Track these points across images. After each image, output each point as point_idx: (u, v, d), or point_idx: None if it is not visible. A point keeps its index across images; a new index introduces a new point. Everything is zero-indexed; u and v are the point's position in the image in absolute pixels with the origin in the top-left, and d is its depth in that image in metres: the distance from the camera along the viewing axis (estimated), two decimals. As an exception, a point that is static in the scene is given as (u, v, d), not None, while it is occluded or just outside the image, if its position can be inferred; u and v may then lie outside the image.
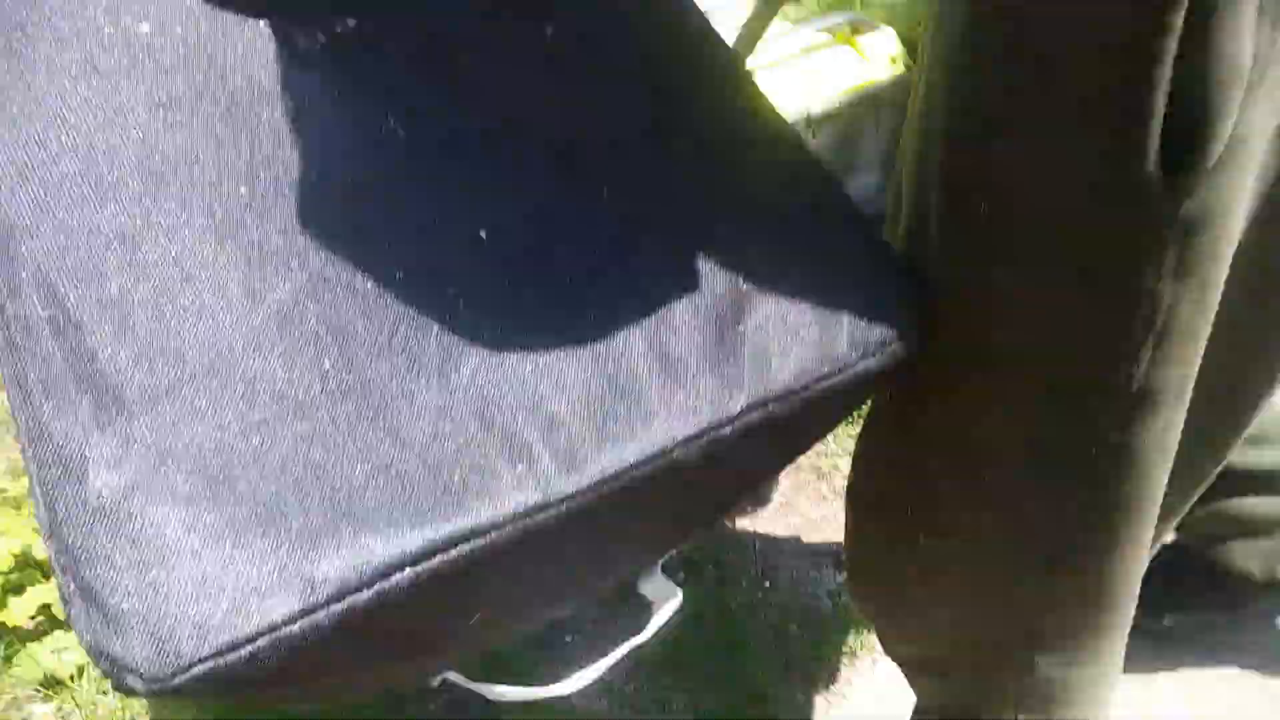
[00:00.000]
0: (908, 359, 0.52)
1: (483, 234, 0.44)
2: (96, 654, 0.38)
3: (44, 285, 0.40)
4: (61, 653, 1.09)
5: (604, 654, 0.64)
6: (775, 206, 0.52)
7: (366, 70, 0.44)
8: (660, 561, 0.66)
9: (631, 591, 0.65)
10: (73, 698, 1.05)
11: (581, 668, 0.61)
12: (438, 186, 0.44)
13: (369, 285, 0.41)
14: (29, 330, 0.40)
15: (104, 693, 1.08)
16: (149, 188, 0.41)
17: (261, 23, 0.43)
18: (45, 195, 0.41)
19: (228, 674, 0.36)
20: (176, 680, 0.36)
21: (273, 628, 0.36)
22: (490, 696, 0.63)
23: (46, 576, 1.08)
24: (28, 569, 1.09)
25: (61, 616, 1.06)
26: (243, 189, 0.41)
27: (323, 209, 0.42)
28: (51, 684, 1.07)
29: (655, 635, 0.65)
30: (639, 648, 0.62)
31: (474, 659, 0.62)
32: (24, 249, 0.40)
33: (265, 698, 0.46)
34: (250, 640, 0.36)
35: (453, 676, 0.63)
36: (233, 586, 0.36)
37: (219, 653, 0.36)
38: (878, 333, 0.51)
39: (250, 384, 0.39)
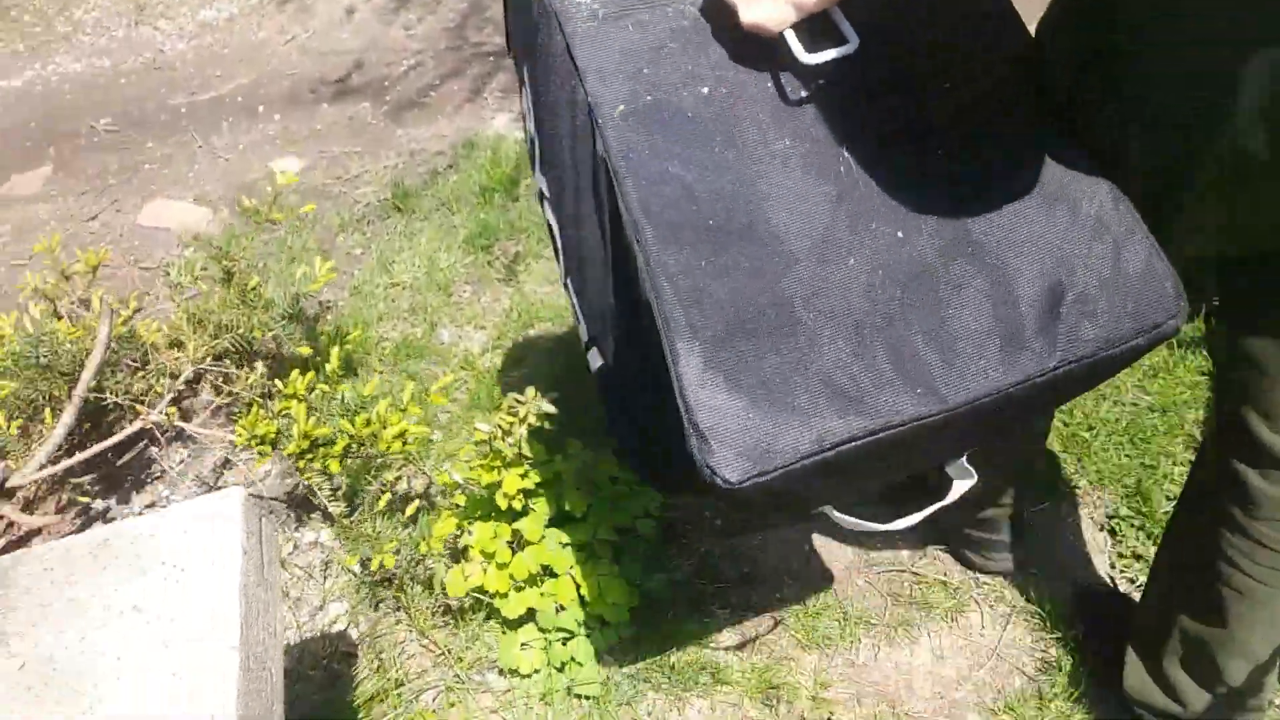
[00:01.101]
0: (1164, 340, 0.81)
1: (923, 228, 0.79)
2: (700, 464, 0.71)
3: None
4: (526, 646, 1.40)
5: (920, 508, 0.93)
6: (1089, 222, 0.80)
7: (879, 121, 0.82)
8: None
9: (941, 470, 0.94)
10: (525, 692, 1.40)
11: (906, 515, 0.92)
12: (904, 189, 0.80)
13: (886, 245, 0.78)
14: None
15: (546, 702, 1.40)
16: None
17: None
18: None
19: (767, 485, 0.72)
20: (747, 483, 0.71)
21: (799, 459, 0.72)
22: (847, 525, 0.91)
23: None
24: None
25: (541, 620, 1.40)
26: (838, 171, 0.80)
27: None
28: (510, 672, 1.41)
29: (954, 501, 0.94)
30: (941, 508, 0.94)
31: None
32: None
33: (760, 508, 0.94)
34: (784, 466, 0.72)
35: (828, 509, 0.90)
36: (780, 439, 0.72)
37: (769, 471, 0.71)
38: (1150, 319, 0.79)
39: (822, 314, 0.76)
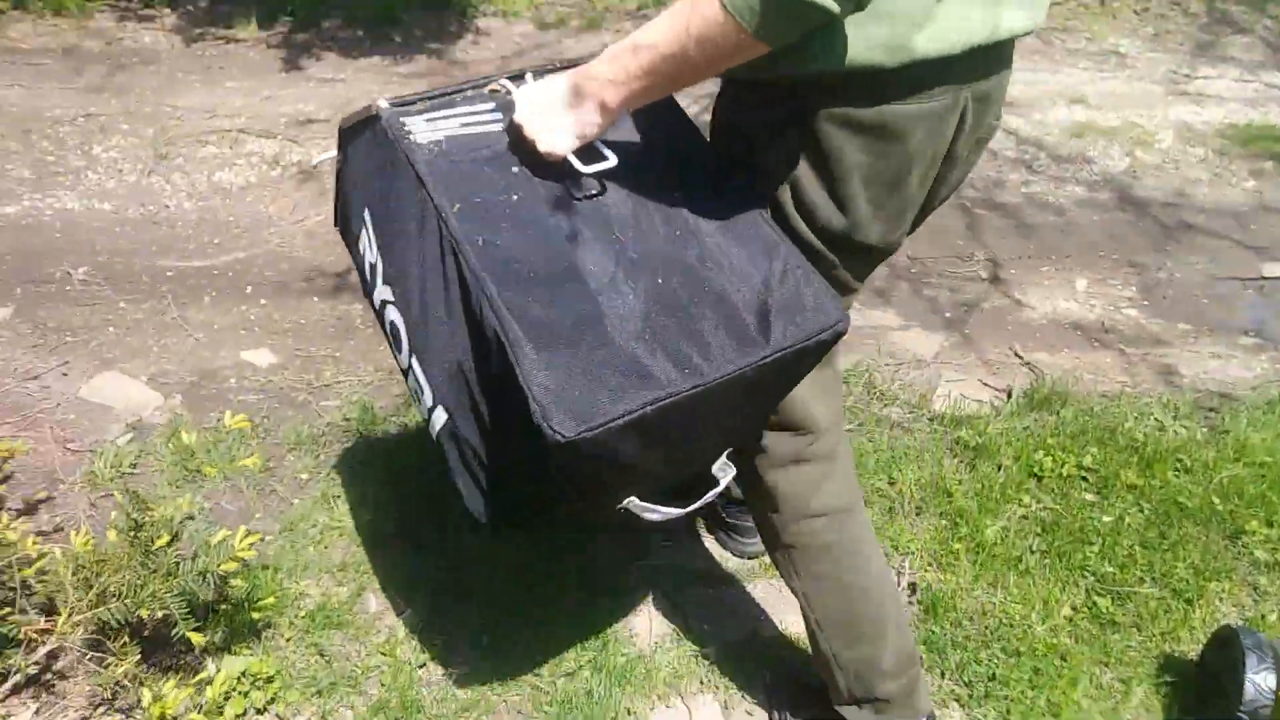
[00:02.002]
0: (839, 337, 1.19)
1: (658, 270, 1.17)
2: (543, 427, 0.99)
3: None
4: None
5: (699, 498, 1.32)
6: (780, 266, 1.19)
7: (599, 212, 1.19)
8: (724, 454, 1.34)
9: (708, 473, 1.34)
10: None
11: (688, 505, 1.28)
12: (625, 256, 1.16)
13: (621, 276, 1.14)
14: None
15: None
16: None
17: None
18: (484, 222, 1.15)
19: (593, 441, 1.00)
20: (579, 436, 0.99)
21: (615, 418, 1.01)
22: (647, 516, 1.24)
23: None
24: None
25: None
26: (579, 259, 1.15)
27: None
28: None
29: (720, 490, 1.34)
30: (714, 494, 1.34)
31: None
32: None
33: (582, 486, 1.16)
34: (604, 423, 1.00)
35: (631, 503, 1.24)
36: (598, 405, 1.02)
37: (595, 426, 1.00)
38: (829, 322, 1.16)
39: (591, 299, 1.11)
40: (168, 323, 2.59)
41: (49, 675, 1.58)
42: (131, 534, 1.44)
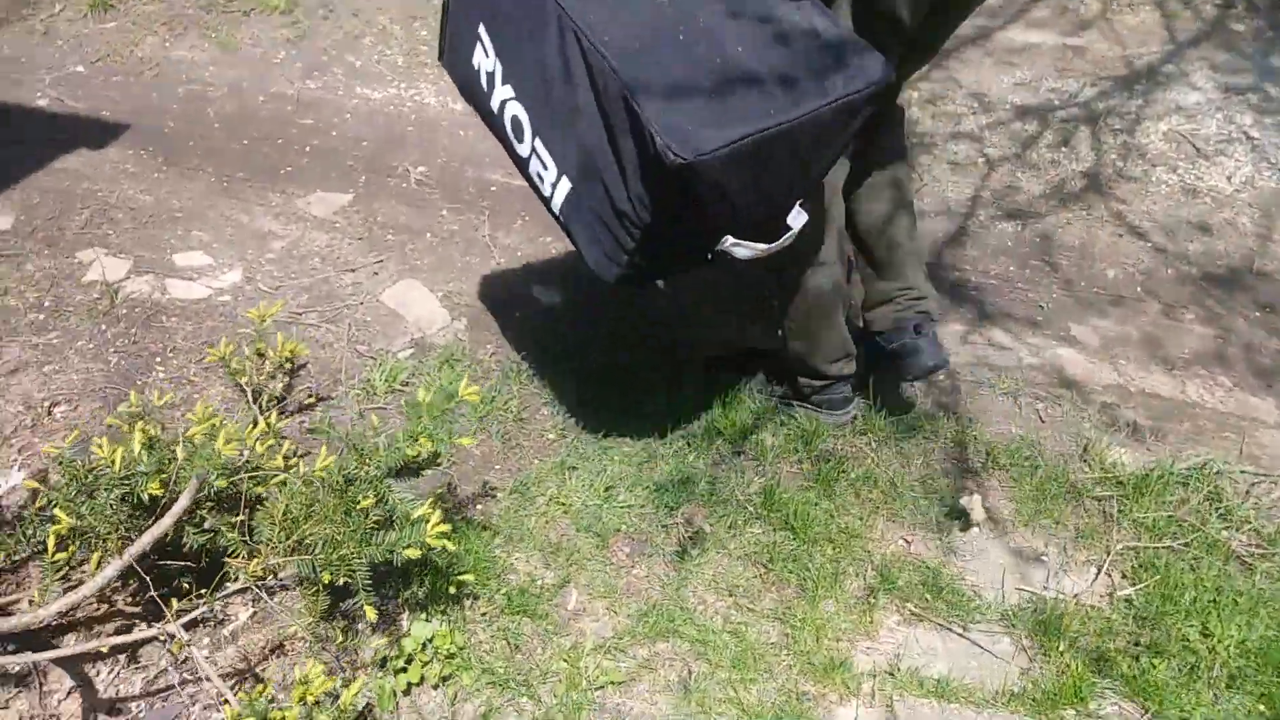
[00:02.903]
0: (881, 97, 1.45)
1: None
2: (667, 153, 1.29)
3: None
4: None
5: (784, 235, 1.55)
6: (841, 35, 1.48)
7: None
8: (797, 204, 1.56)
9: (784, 220, 1.55)
10: None
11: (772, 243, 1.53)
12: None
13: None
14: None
15: None
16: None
17: None
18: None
19: (711, 163, 1.30)
20: (696, 161, 1.29)
21: (722, 145, 1.31)
22: (740, 254, 1.51)
23: None
24: None
25: None
26: (676, 32, 1.41)
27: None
28: None
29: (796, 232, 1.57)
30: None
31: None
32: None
33: (696, 208, 1.40)
34: (714, 151, 1.30)
35: (726, 241, 1.50)
36: (706, 133, 1.32)
37: (706, 152, 1.30)
38: (877, 76, 1.41)
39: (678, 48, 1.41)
40: (476, 239, 2.63)
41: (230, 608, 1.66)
42: (340, 490, 1.43)
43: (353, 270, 2.49)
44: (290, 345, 1.90)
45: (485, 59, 1.59)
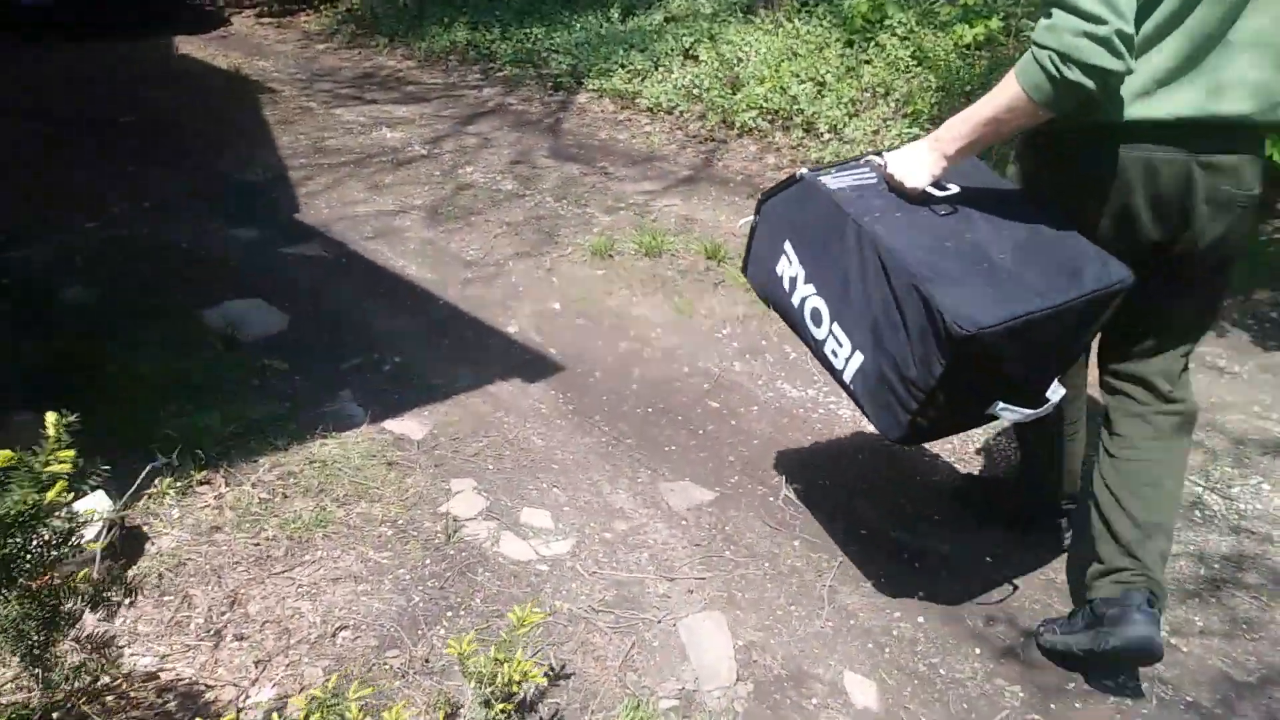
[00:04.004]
0: (1127, 291, 1.78)
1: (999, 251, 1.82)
2: (954, 328, 1.64)
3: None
4: None
5: (1044, 405, 1.87)
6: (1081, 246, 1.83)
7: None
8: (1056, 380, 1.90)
9: (1044, 394, 1.88)
10: None
11: (1036, 409, 1.86)
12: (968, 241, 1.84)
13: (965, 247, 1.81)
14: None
15: None
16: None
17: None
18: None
19: (990, 337, 1.64)
20: (979, 333, 1.63)
21: (999, 322, 1.64)
22: (1009, 418, 1.82)
23: None
24: None
25: None
26: (949, 243, 1.82)
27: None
28: None
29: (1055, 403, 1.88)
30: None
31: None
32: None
33: (967, 386, 1.77)
34: (993, 327, 1.64)
35: (996, 406, 1.82)
36: (985, 311, 1.66)
37: (989, 327, 1.63)
38: (1121, 276, 1.76)
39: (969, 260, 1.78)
40: (813, 588, 2.31)
41: None
42: None
43: (671, 579, 2.31)
44: (525, 665, 1.76)
45: (789, 267, 2.04)
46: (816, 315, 1.97)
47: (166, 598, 2.14)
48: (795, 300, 2.03)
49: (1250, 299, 3.74)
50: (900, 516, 2.58)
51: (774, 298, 2.13)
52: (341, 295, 3.65)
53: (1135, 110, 1.71)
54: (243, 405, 2.86)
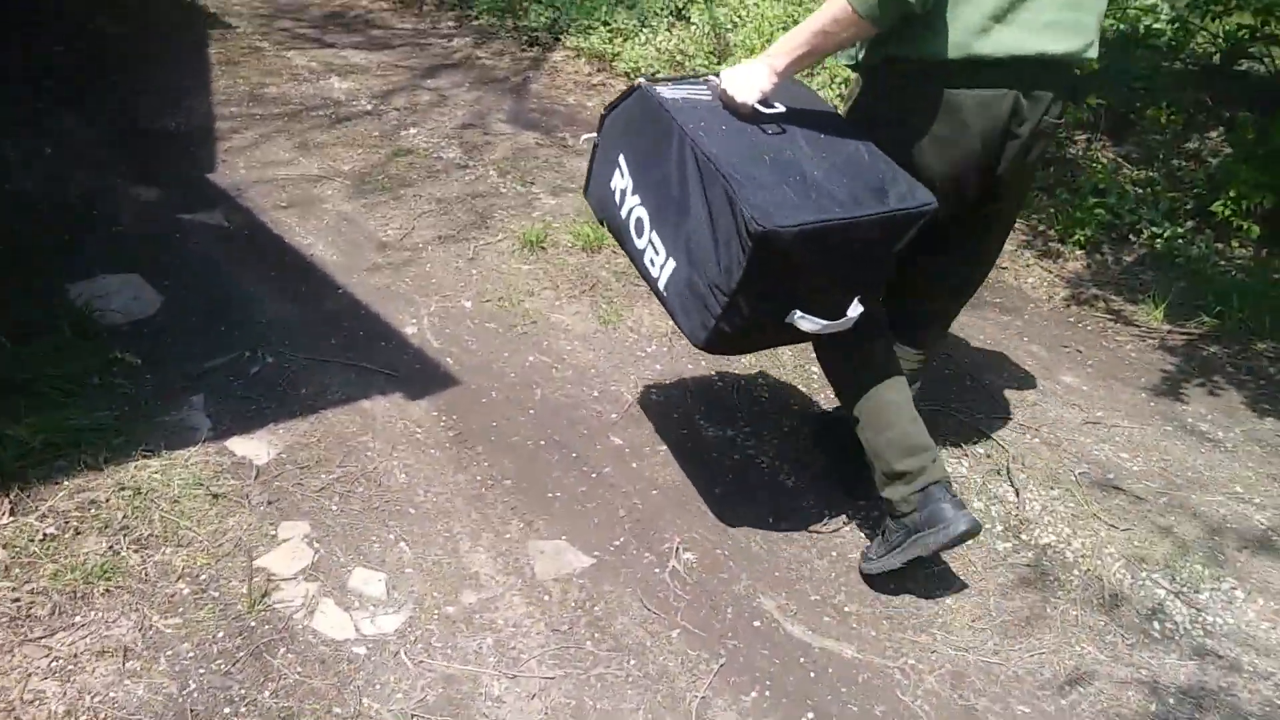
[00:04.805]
0: (929, 216, 1.87)
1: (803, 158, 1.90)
2: (754, 227, 1.71)
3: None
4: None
5: (843, 319, 1.91)
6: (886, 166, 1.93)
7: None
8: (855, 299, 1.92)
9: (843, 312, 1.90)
10: None
11: (832, 323, 1.90)
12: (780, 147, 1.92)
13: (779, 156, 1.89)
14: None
15: None
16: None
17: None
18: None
19: (781, 240, 1.72)
20: (774, 229, 1.71)
21: (795, 224, 1.73)
22: (807, 328, 1.87)
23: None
24: None
25: None
26: (767, 156, 1.87)
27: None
28: None
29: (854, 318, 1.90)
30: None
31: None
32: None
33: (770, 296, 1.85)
34: (790, 227, 1.72)
35: (794, 315, 1.88)
36: (785, 213, 1.74)
37: (785, 226, 1.71)
38: (925, 200, 1.86)
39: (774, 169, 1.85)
40: (679, 700, 1.91)
41: None
42: None
43: (513, 676, 1.93)
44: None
45: (621, 180, 2.08)
46: (640, 225, 2.02)
47: (-119, 669, 1.78)
48: (624, 212, 2.08)
49: (1248, 349, 3.28)
50: (804, 606, 2.18)
51: (608, 216, 2.18)
52: (231, 275, 3.24)
53: (971, 47, 1.80)
54: (66, 409, 2.46)
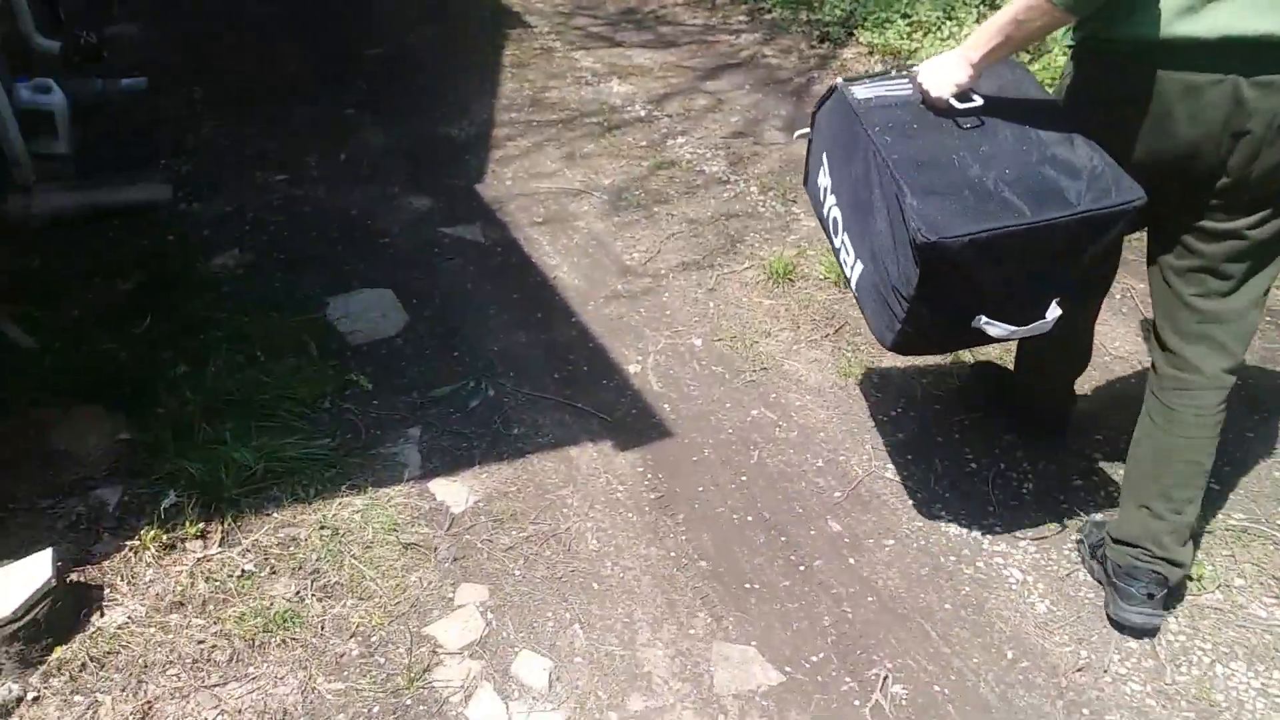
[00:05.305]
0: (1132, 213, 1.71)
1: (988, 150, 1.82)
2: (920, 238, 1.66)
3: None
4: None
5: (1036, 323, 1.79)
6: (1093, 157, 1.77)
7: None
8: (1054, 301, 1.81)
9: (1041, 314, 1.81)
10: None
11: (1023, 327, 1.79)
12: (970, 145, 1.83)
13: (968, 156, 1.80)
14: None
15: None
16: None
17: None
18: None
19: (949, 251, 1.65)
20: (940, 241, 1.64)
21: (963, 234, 1.65)
22: (994, 333, 1.78)
23: None
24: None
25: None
26: (955, 156, 1.81)
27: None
28: None
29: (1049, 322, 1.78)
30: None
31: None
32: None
33: (942, 305, 1.78)
34: (958, 237, 1.64)
35: (979, 320, 1.78)
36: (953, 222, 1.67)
37: (952, 236, 1.65)
38: (1129, 198, 1.69)
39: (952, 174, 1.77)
40: None
41: None
42: None
43: None
44: None
45: (825, 178, 2.10)
46: (835, 225, 2.05)
47: (77, 698, 1.87)
48: (825, 210, 2.11)
49: None
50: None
51: (818, 213, 2.20)
52: (475, 295, 3.25)
53: (1175, 27, 1.63)
54: (294, 433, 2.54)
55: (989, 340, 1.81)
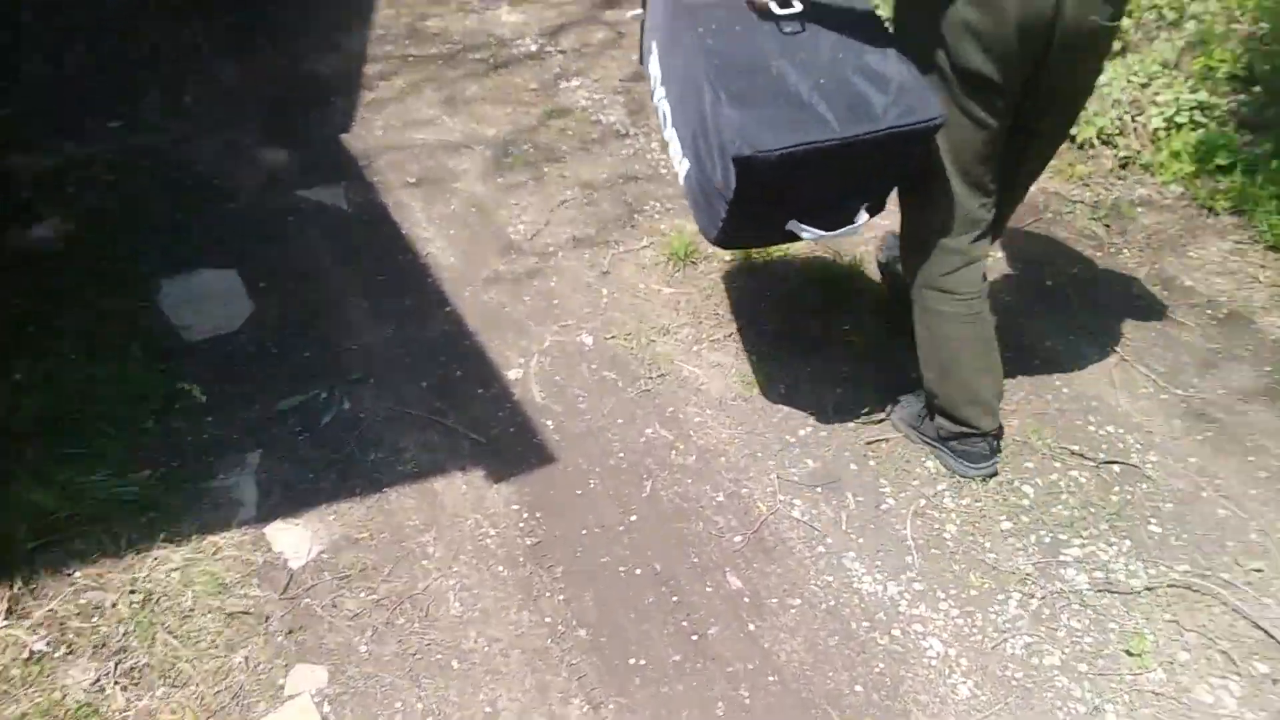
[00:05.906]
0: (934, 131, 1.78)
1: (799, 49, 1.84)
2: (738, 148, 1.69)
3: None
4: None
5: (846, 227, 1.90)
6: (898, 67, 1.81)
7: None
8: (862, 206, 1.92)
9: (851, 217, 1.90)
10: None
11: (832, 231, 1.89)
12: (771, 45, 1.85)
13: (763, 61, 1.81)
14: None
15: None
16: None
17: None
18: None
19: (763, 164, 1.69)
20: (755, 155, 1.68)
21: (774, 149, 1.68)
22: (807, 236, 1.89)
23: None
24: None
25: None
26: (772, 62, 1.82)
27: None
28: None
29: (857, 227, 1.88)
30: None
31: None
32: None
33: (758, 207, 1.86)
34: (771, 151, 1.68)
35: (792, 224, 1.88)
36: (766, 136, 1.69)
37: (765, 151, 1.68)
38: (931, 114, 1.74)
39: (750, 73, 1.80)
40: None
41: None
42: None
43: None
44: None
45: (656, 68, 2.13)
46: (665, 118, 2.07)
47: None
48: (656, 99, 2.13)
49: None
50: None
51: (652, 94, 2.19)
52: (334, 277, 2.83)
53: None
54: (106, 469, 2.15)
55: (801, 239, 1.93)
